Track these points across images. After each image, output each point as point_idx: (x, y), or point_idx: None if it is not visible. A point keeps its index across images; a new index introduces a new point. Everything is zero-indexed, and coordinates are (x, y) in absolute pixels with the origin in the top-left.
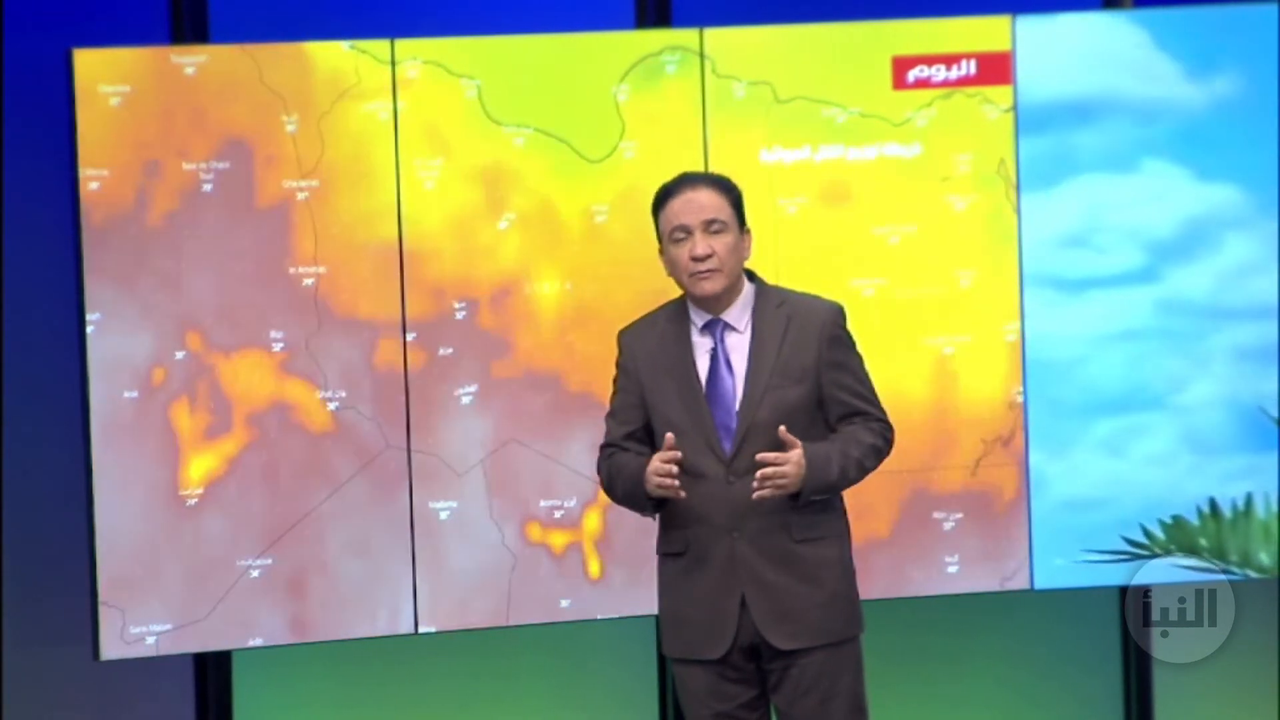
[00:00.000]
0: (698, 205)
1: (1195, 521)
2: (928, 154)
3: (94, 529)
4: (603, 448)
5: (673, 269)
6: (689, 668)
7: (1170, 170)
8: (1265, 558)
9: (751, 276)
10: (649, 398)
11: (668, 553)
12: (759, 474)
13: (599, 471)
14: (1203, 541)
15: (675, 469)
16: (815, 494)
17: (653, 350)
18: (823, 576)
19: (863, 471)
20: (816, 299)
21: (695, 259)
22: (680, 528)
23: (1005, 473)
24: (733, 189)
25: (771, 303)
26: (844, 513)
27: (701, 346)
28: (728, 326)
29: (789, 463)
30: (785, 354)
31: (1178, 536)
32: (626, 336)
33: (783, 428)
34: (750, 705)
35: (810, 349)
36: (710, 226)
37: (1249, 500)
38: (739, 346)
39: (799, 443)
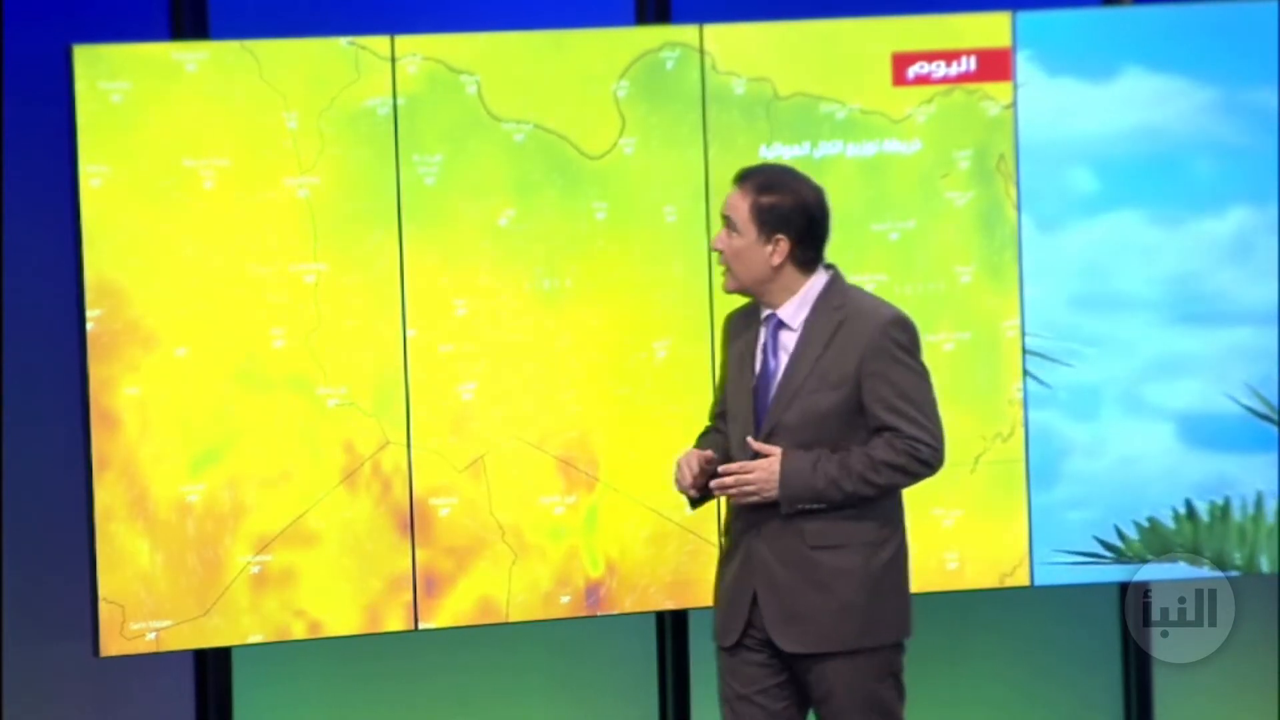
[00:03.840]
0: (726, 201)
1: (1171, 525)
2: (928, 150)
3: (94, 525)
4: (708, 423)
5: None
6: (718, 648)
7: (1170, 168)
8: (1239, 559)
9: (830, 271)
10: (727, 380)
11: (724, 534)
12: (714, 484)
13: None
14: (1178, 544)
15: (690, 472)
16: (797, 503)
17: (736, 334)
18: (836, 585)
19: (868, 485)
20: (879, 306)
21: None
22: (732, 514)
23: (1005, 469)
24: (770, 193)
25: (831, 303)
26: (885, 523)
27: (763, 338)
28: (781, 323)
29: (754, 470)
30: (827, 359)
31: (1152, 540)
32: (727, 319)
33: (750, 438)
34: (770, 693)
35: (853, 356)
36: (726, 224)
37: (1226, 503)
38: (789, 344)
39: (775, 451)
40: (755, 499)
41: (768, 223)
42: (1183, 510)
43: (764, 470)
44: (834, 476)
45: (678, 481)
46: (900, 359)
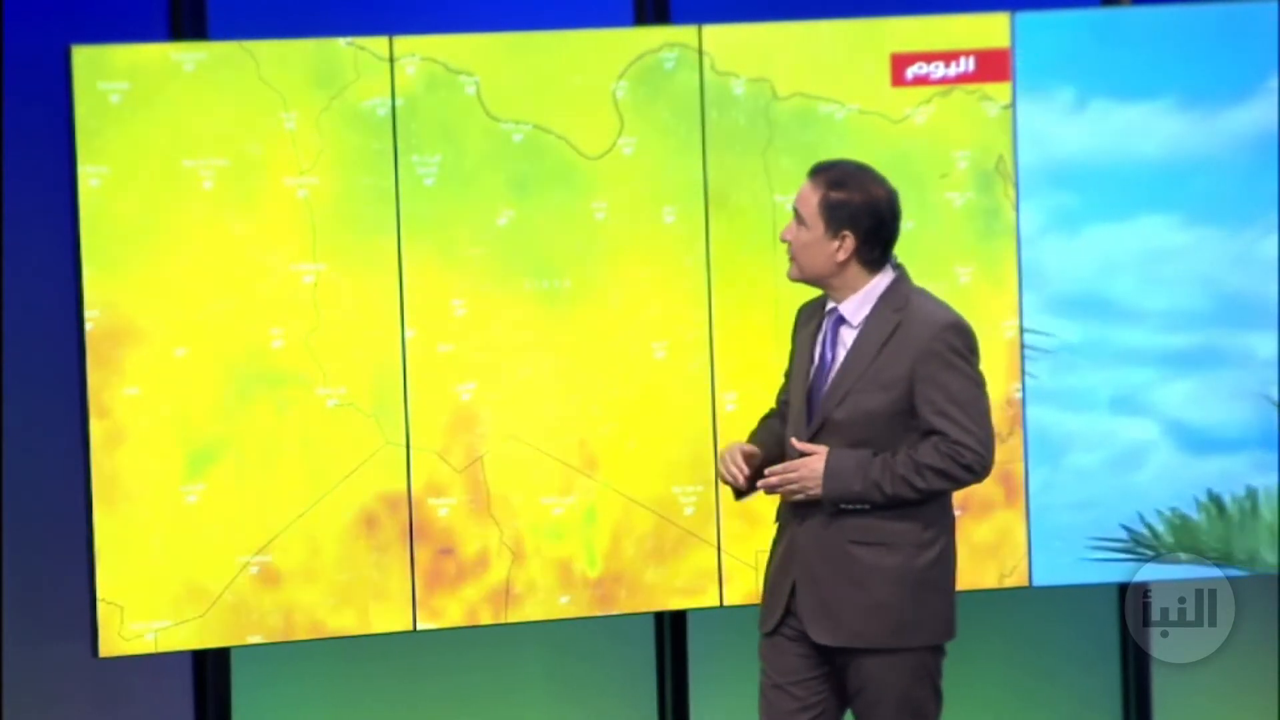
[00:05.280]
0: (798, 193)
1: (1200, 520)
2: (927, 151)
3: (93, 526)
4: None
5: None
6: (761, 634)
7: (1170, 168)
8: (1270, 556)
9: (897, 270)
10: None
11: (776, 520)
12: (760, 484)
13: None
14: (1208, 540)
15: (739, 469)
16: (839, 501)
17: (803, 325)
18: (871, 582)
19: (911, 489)
20: (939, 311)
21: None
22: (781, 502)
23: (1004, 470)
24: (840, 189)
25: (892, 305)
26: (931, 524)
27: (822, 332)
28: (842, 319)
29: (799, 469)
30: (882, 360)
31: (1182, 536)
32: (799, 310)
33: (793, 439)
34: (807, 684)
35: (906, 359)
36: (795, 215)
37: (1254, 497)
38: (846, 341)
39: (820, 449)
40: (800, 496)
41: (835, 218)
42: (1210, 505)
43: (808, 469)
44: (876, 478)
45: (723, 477)
46: (953, 364)
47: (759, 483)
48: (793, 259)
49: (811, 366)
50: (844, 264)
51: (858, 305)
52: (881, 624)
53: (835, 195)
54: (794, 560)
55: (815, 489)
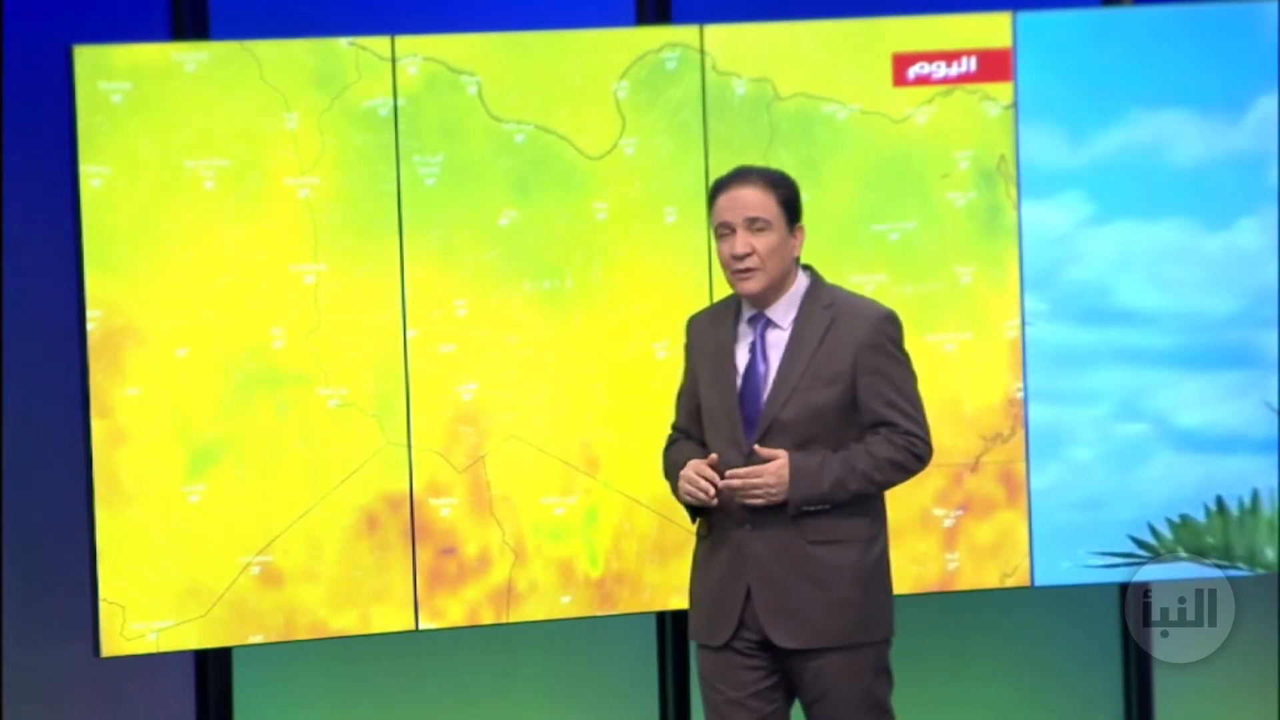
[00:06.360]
0: (742, 203)
1: (1203, 520)
2: (928, 151)
3: (95, 525)
4: (671, 431)
5: (721, 262)
6: (702, 651)
7: (1171, 168)
8: (1271, 554)
9: (809, 271)
10: (698, 384)
11: (700, 534)
12: (722, 484)
13: (663, 456)
14: (1210, 540)
15: (708, 483)
16: (805, 504)
17: (704, 337)
18: (833, 580)
19: (871, 484)
20: (869, 303)
21: (734, 257)
22: (709, 511)
23: (1006, 469)
24: (783, 185)
25: (820, 302)
26: (875, 518)
27: (745, 339)
28: (770, 322)
29: (763, 474)
30: (821, 356)
31: (1185, 537)
32: (691, 323)
33: (757, 445)
34: (762, 695)
35: (847, 353)
36: (753, 225)
37: (1255, 497)
38: (778, 343)
39: (781, 453)
40: (761, 502)
41: (791, 214)
42: (1213, 506)
43: (774, 474)
44: (839, 477)
45: (691, 494)
46: (894, 355)
47: (720, 484)
48: (756, 270)
49: (736, 377)
50: (795, 260)
51: (786, 308)
52: (845, 621)
53: (784, 192)
54: (745, 567)
55: (781, 494)
